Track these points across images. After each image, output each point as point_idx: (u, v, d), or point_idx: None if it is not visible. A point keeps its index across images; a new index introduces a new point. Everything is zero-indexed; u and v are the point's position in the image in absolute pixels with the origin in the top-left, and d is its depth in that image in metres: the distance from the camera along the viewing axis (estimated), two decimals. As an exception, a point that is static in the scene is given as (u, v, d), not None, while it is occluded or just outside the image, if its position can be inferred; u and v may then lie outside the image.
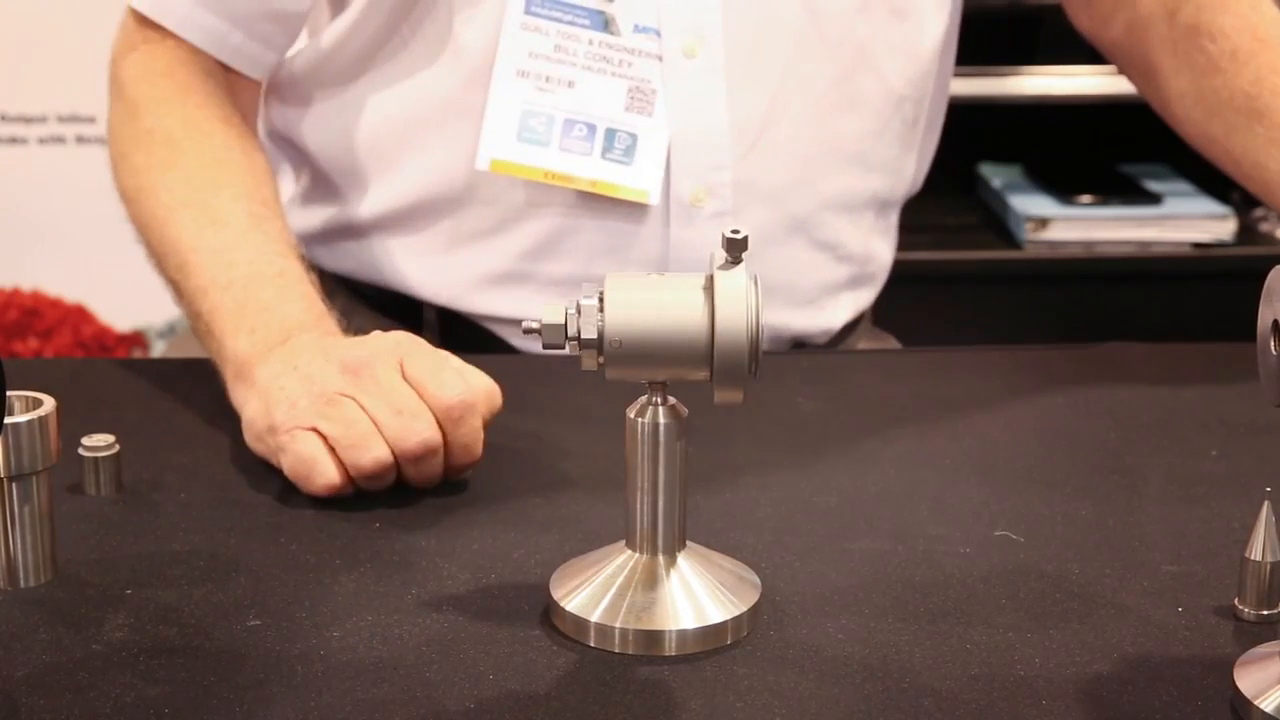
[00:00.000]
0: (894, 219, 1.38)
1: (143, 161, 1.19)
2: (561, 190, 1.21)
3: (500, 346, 1.26)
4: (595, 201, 1.21)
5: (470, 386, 0.97)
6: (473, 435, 0.96)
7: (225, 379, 1.05)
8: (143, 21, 1.24)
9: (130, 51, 1.24)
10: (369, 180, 1.27)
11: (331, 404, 0.95)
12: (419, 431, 0.94)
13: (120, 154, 1.22)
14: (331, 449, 0.94)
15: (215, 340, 1.06)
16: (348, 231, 1.30)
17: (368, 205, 1.28)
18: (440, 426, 0.95)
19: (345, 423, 0.94)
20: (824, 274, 1.30)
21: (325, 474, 0.94)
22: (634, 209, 1.21)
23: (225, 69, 1.24)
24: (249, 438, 1.00)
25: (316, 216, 1.31)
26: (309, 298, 1.07)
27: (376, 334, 1.01)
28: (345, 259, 1.31)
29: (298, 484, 0.96)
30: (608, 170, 1.19)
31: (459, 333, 1.28)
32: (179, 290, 1.13)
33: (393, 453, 0.94)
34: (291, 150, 1.33)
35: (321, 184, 1.32)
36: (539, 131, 1.19)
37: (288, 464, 0.96)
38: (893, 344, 1.45)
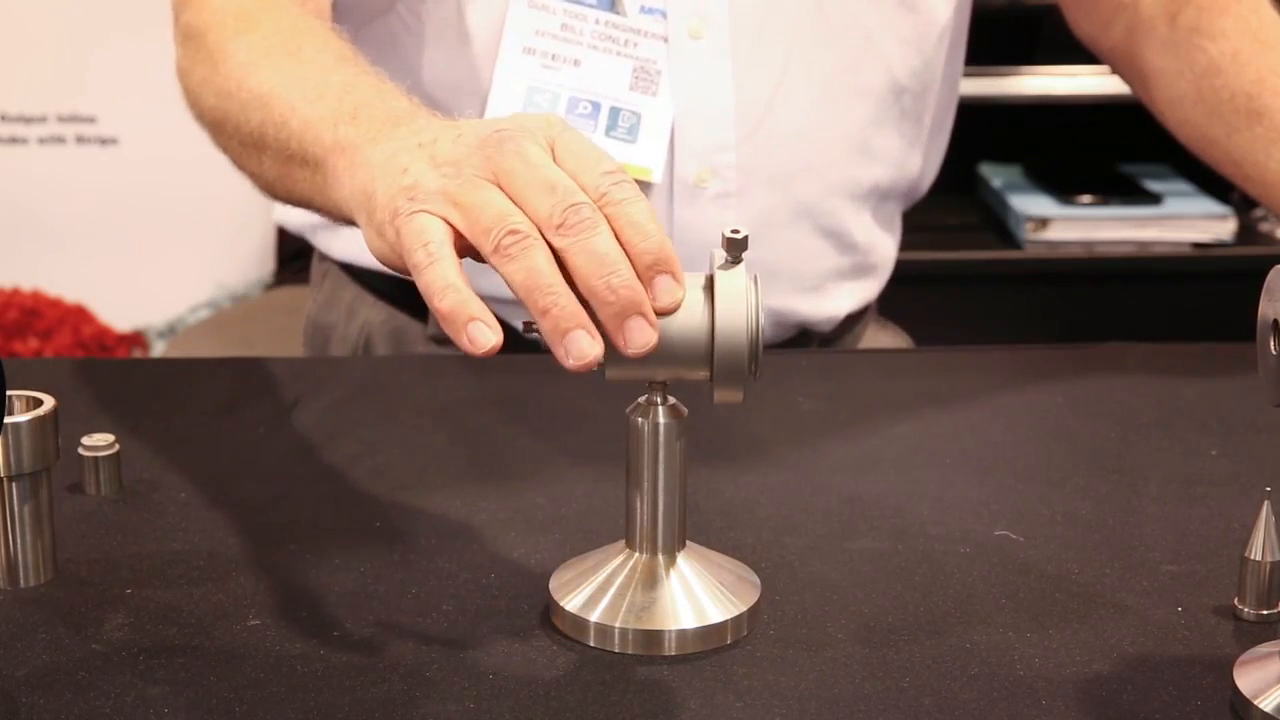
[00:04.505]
0: (897, 212, 1.38)
1: (213, 42, 1.04)
2: None
3: (504, 328, 1.26)
4: None
5: (622, 168, 0.77)
6: (643, 213, 0.74)
7: (323, 179, 0.86)
8: None
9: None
10: None
11: (467, 186, 0.75)
12: (568, 198, 0.73)
13: (183, 62, 1.09)
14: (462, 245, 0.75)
15: (306, 150, 0.87)
16: None
17: None
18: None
19: (481, 205, 0.74)
20: (827, 261, 1.31)
21: (440, 272, 0.74)
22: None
23: None
24: (366, 226, 0.80)
25: None
26: (415, 101, 0.88)
27: (519, 114, 0.90)
28: (352, 245, 1.31)
29: (425, 291, 0.76)
30: (611, 148, 1.20)
31: None
32: (262, 140, 0.94)
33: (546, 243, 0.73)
34: None
35: None
36: (543, 109, 1.20)
37: (404, 246, 0.75)
38: (899, 334, 1.46)
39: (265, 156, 0.95)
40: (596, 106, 1.21)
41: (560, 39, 1.20)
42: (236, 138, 1.00)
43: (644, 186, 1.22)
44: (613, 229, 0.74)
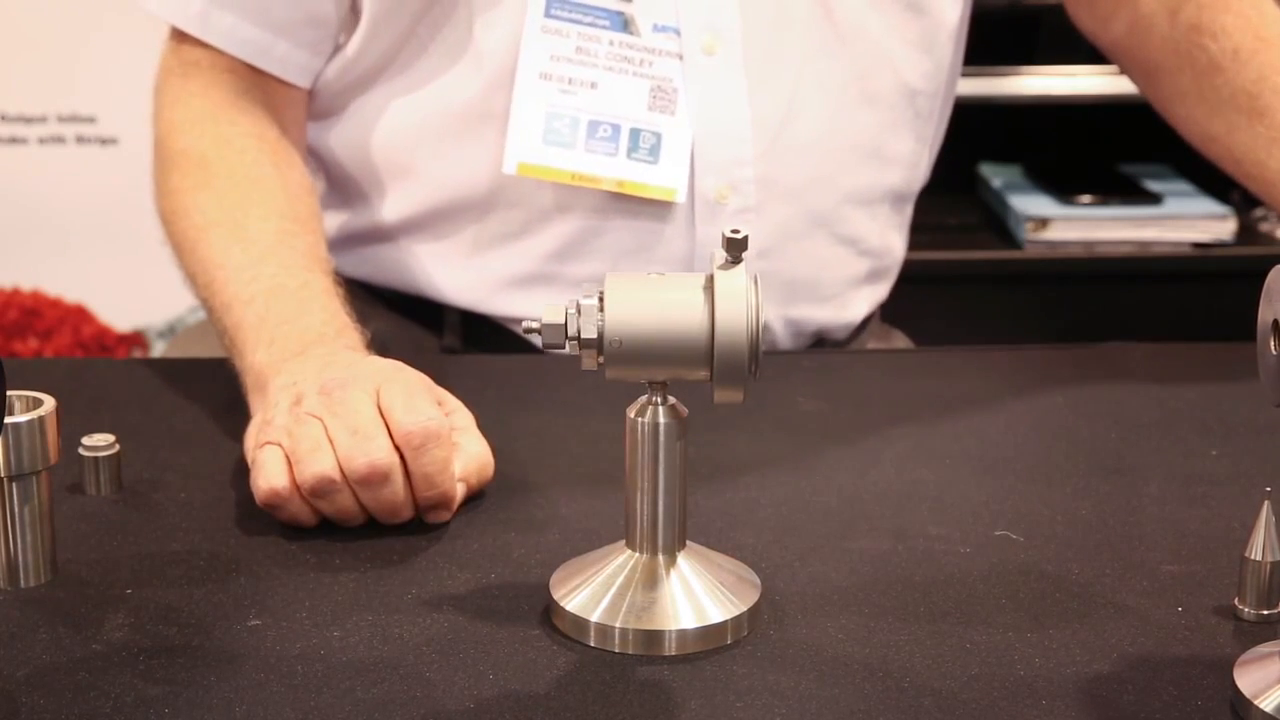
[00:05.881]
0: (908, 212, 1.38)
1: (177, 183, 1.19)
2: (588, 192, 1.21)
3: (522, 346, 1.26)
4: (622, 202, 1.21)
5: (437, 416, 0.92)
6: (436, 466, 0.91)
7: (245, 391, 1.04)
8: (181, 42, 1.24)
9: (168, 75, 1.25)
10: (392, 186, 1.27)
11: (298, 421, 0.93)
12: (368, 452, 0.90)
13: (158, 177, 1.22)
14: (289, 463, 0.92)
15: (238, 354, 1.06)
16: (368, 236, 1.30)
17: (390, 211, 1.28)
18: (400, 454, 0.91)
19: (299, 438, 0.92)
20: (846, 269, 1.31)
21: (269, 477, 0.91)
22: (660, 208, 1.22)
23: (266, 83, 1.24)
24: (245, 447, 1.00)
25: (334, 222, 1.31)
26: (330, 310, 1.06)
27: (370, 358, 1.01)
28: (363, 264, 1.31)
29: (255, 495, 0.93)
30: (634, 170, 1.20)
31: (481, 333, 1.27)
32: (209, 308, 1.12)
33: (341, 472, 0.91)
34: (310, 157, 1.33)
35: (340, 189, 1.32)
36: (564, 134, 1.19)
37: (252, 473, 0.94)
38: (901, 339, 1.46)
39: (208, 312, 1.13)
40: (616, 129, 1.19)
41: (576, 62, 1.19)
42: (185, 273, 1.17)
43: (666, 208, 1.22)
44: (405, 471, 0.92)
